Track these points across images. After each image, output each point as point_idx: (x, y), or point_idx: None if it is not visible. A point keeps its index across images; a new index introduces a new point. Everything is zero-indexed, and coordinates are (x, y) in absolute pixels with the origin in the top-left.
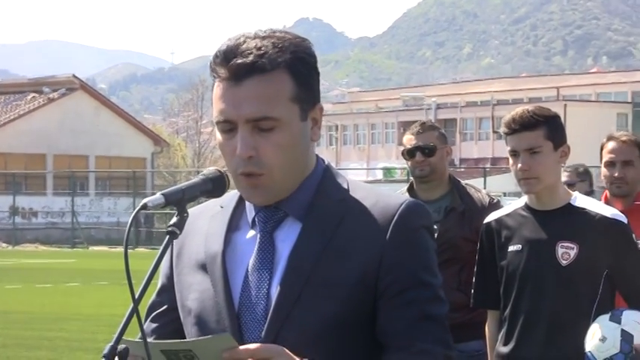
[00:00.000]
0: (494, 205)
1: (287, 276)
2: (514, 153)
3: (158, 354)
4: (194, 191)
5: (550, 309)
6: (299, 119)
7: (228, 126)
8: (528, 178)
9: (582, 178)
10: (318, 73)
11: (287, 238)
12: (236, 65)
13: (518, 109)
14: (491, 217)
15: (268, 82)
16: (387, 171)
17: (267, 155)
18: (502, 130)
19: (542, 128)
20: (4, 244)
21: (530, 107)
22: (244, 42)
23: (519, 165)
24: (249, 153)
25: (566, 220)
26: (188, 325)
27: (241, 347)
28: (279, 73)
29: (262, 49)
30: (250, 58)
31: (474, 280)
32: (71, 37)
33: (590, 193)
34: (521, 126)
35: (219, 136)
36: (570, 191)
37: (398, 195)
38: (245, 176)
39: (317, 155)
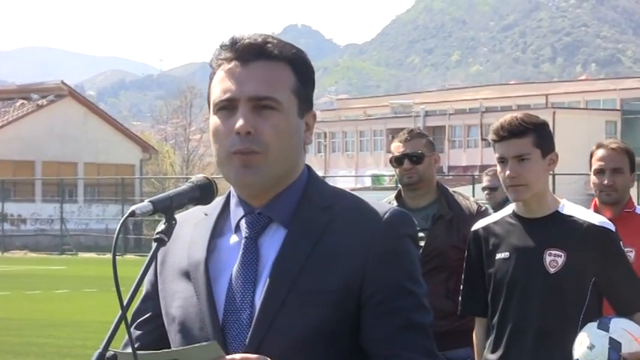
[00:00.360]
0: (482, 213)
1: (271, 283)
2: (502, 160)
3: None
4: (182, 198)
5: (538, 316)
6: (296, 114)
7: (229, 104)
8: (516, 185)
9: None
10: (314, 83)
11: (271, 244)
12: (244, 45)
13: (507, 117)
14: (478, 225)
15: (273, 68)
16: (376, 178)
17: (264, 134)
18: (490, 137)
19: (530, 135)
20: None
21: (518, 114)
22: (252, 34)
23: (507, 172)
24: (248, 128)
25: (554, 228)
26: (172, 333)
27: (227, 357)
28: (284, 65)
29: (269, 38)
30: (259, 40)
31: (461, 287)
32: (60, 43)
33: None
34: (509, 133)
35: (215, 120)
36: (558, 199)
37: (382, 203)
38: (239, 155)
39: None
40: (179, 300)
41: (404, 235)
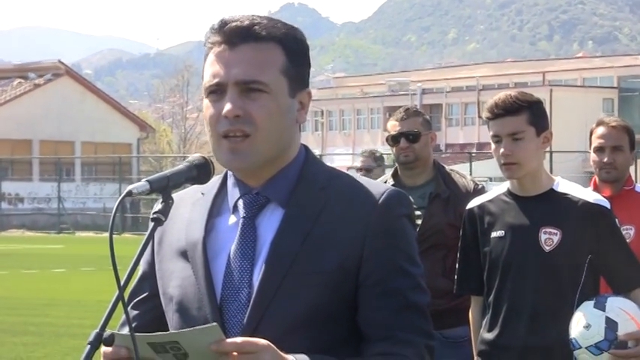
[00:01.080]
0: (479, 191)
1: (269, 264)
2: (497, 138)
3: (145, 346)
4: (179, 178)
5: (533, 295)
6: (287, 94)
7: (218, 88)
8: (510, 164)
9: (379, 163)
10: (309, 61)
11: (269, 224)
12: (231, 29)
13: (501, 94)
14: (473, 203)
15: (261, 50)
16: None
17: (252, 116)
18: (485, 115)
19: (525, 113)
20: None
21: (512, 92)
22: (240, 16)
23: (502, 150)
24: (236, 112)
25: (548, 206)
26: (170, 313)
27: (228, 340)
28: (273, 45)
29: (257, 19)
30: (246, 23)
31: (457, 266)
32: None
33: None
34: (504, 110)
35: (206, 103)
36: (552, 177)
37: (379, 183)
38: (228, 139)
39: (302, 143)
40: (177, 279)
41: (401, 216)
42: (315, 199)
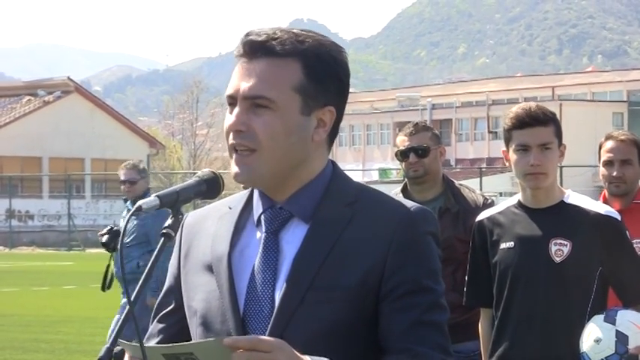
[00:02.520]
0: (488, 205)
1: (291, 280)
2: (523, 147)
3: (159, 358)
4: (188, 193)
5: (543, 307)
6: (298, 111)
7: (230, 101)
8: (538, 174)
9: (142, 175)
10: (339, 80)
11: (292, 239)
12: (249, 42)
13: (524, 105)
14: (483, 215)
15: (275, 66)
16: (383, 172)
17: (256, 132)
18: (510, 123)
19: (552, 125)
20: (0, 247)
21: (532, 104)
22: (263, 29)
23: (531, 160)
24: (239, 126)
25: (559, 218)
26: (193, 326)
27: (244, 337)
28: (290, 61)
29: (277, 34)
30: (262, 37)
31: (466, 278)
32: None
33: (149, 190)
34: (535, 121)
35: (227, 114)
36: (564, 189)
37: (405, 200)
38: (235, 152)
39: (330, 159)
40: (201, 293)
41: (426, 233)
42: (340, 214)
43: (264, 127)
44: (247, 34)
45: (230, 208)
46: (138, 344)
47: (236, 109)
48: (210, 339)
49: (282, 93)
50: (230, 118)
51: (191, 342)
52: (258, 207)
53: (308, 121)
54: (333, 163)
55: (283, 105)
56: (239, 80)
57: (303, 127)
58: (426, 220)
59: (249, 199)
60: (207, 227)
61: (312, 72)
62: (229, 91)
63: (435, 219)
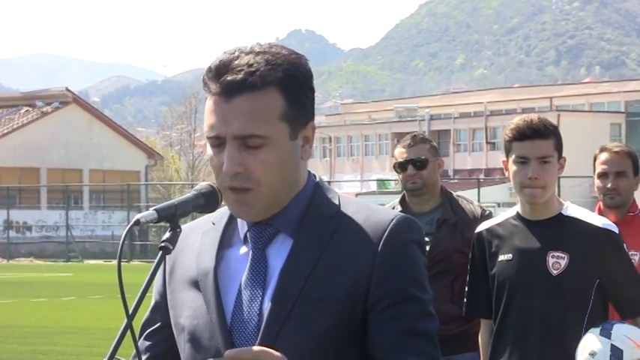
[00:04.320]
0: (486, 217)
1: (278, 293)
2: (523, 160)
3: None
4: (186, 206)
5: (541, 319)
6: (288, 138)
7: (217, 141)
8: (536, 187)
9: None
10: (312, 91)
11: (279, 254)
12: (226, 82)
13: (526, 117)
14: (482, 227)
15: (258, 100)
16: (381, 183)
17: (254, 172)
18: (510, 135)
19: (552, 138)
20: None
21: (535, 116)
22: (237, 57)
23: (529, 173)
24: (235, 169)
25: (557, 230)
26: (182, 343)
27: (244, 348)
28: (270, 92)
29: (254, 66)
30: (241, 75)
31: (466, 289)
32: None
33: None
34: (535, 133)
35: (209, 150)
36: (562, 201)
37: (389, 210)
38: (233, 191)
39: (309, 171)
40: (188, 310)
41: (410, 242)
42: (323, 226)
43: (260, 165)
44: (220, 73)
45: (214, 224)
46: None
47: (227, 150)
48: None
49: (271, 127)
50: (220, 158)
51: None
52: (243, 223)
53: (296, 144)
54: (314, 176)
55: (275, 138)
56: (222, 120)
57: (293, 151)
58: (410, 229)
59: (233, 215)
60: (192, 243)
61: (291, 96)
62: (213, 132)
63: (419, 227)
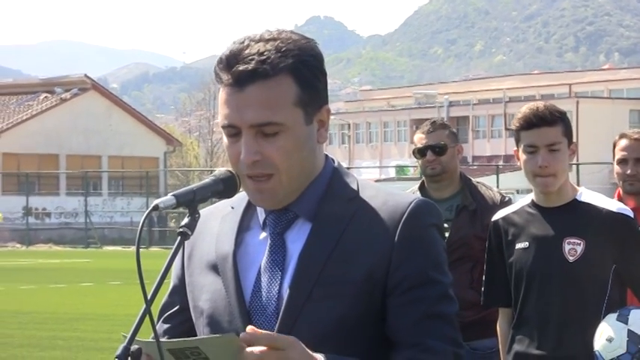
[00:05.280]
0: (506, 203)
1: (297, 276)
2: (532, 149)
3: (165, 353)
4: (205, 192)
5: (559, 305)
6: (303, 123)
7: (233, 130)
8: (547, 176)
9: None
10: (324, 75)
11: (298, 238)
12: (238, 72)
13: (532, 105)
14: (498, 215)
15: (271, 88)
16: (400, 169)
17: (272, 158)
18: (518, 124)
19: (560, 125)
20: (17, 245)
21: (541, 103)
22: (247, 46)
23: (539, 161)
24: (252, 158)
25: (572, 216)
26: (200, 326)
27: (260, 332)
28: (282, 78)
29: (265, 54)
30: (252, 64)
31: (483, 278)
32: (83, 37)
33: None
34: (542, 121)
35: (225, 139)
36: (576, 187)
37: (407, 194)
38: (252, 179)
39: (326, 155)
40: (207, 293)
41: (429, 225)
42: (342, 210)
43: (278, 152)
44: (231, 63)
45: (232, 208)
46: (151, 340)
47: (243, 139)
48: (217, 335)
49: (286, 113)
50: (237, 148)
51: (197, 337)
52: (261, 209)
53: (312, 128)
54: (332, 160)
55: (291, 124)
56: (236, 110)
57: (309, 136)
58: (429, 213)
59: None
60: (211, 227)
61: (304, 81)
62: (228, 121)
63: (438, 211)
